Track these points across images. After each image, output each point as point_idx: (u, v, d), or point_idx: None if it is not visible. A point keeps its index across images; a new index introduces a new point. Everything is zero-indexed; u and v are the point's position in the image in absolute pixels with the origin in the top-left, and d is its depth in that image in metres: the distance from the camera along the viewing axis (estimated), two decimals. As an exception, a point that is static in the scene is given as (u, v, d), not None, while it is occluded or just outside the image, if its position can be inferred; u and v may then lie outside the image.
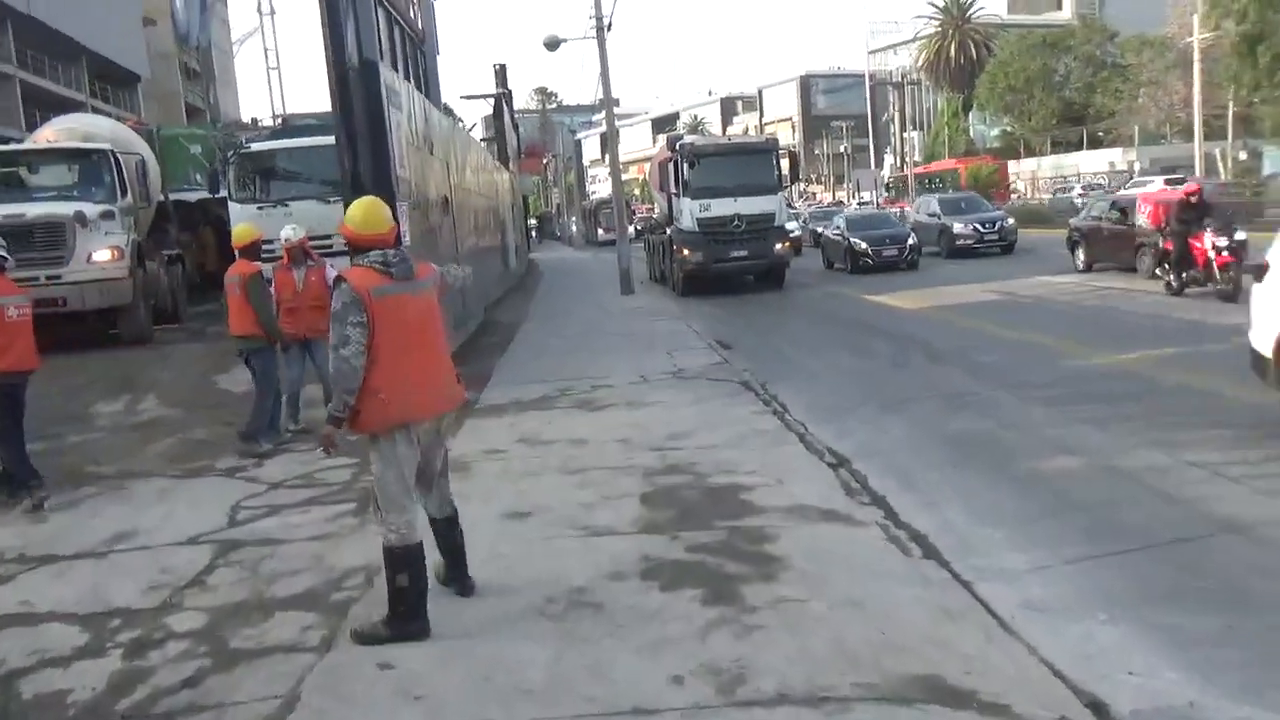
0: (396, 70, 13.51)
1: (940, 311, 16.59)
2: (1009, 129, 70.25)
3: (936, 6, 78.18)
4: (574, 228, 64.16)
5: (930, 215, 28.14)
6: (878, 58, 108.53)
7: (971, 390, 10.26)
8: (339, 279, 4.38)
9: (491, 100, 32.34)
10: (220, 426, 9.94)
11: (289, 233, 9.09)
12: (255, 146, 16.30)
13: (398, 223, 5.47)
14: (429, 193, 13.55)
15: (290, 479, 7.81)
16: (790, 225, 26.94)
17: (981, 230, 26.27)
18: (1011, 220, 27.57)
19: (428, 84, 16.66)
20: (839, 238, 25.84)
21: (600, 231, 51.38)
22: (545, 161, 72.70)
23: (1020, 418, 8.90)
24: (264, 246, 9.35)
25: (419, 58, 16.69)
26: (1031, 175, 64.87)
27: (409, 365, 4.32)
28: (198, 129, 28.55)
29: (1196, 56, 46.87)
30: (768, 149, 22.41)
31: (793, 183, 24.43)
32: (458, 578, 4.94)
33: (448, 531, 4.86)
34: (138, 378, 12.48)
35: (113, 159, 15.27)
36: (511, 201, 31.57)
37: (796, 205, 52.00)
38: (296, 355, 9.15)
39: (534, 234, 74.01)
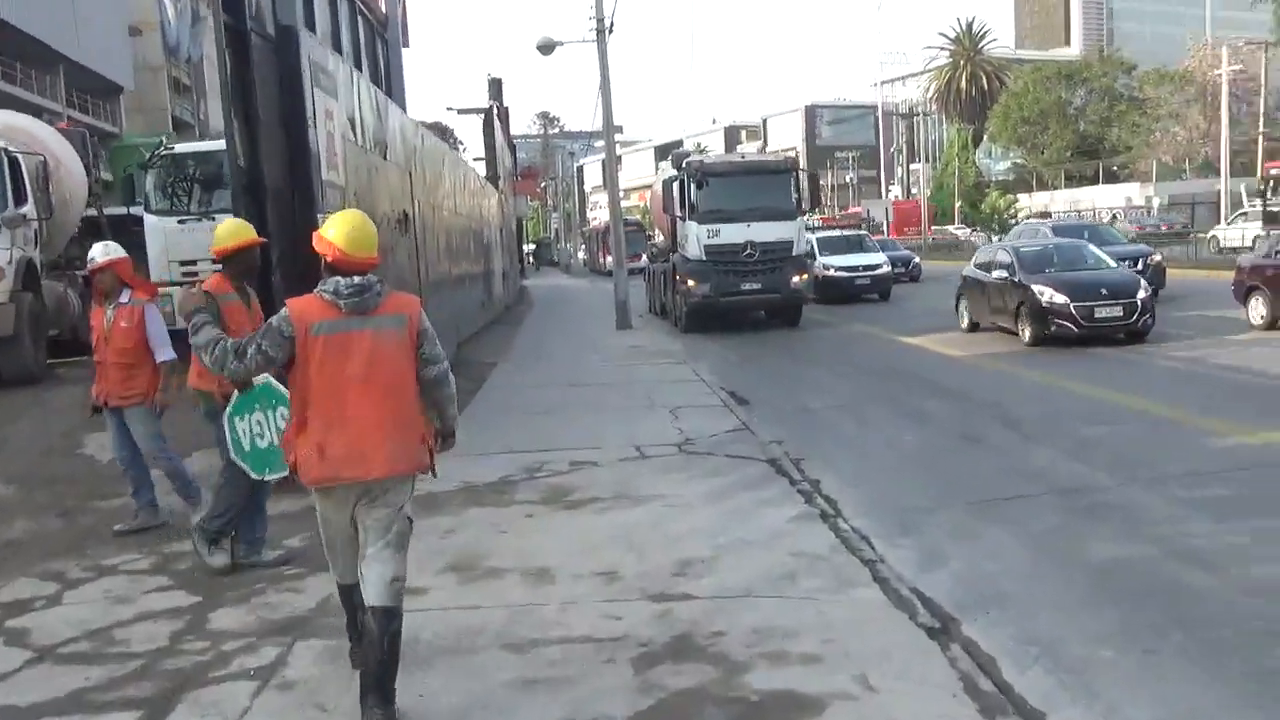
0: (341, 54, 10.72)
1: (999, 361, 13.74)
2: (1020, 161, 67.76)
3: (947, 38, 76.23)
4: (574, 254, 61.34)
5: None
6: (884, 89, 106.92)
7: (1090, 484, 7.39)
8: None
9: (482, 114, 29.61)
10: (53, 519, 7.06)
11: (98, 252, 6.29)
12: (179, 149, 13.46)
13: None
14: (378, 206, 10.74)
15: (71, 638, 4.89)
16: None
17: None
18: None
19: (389, 78, 13.91)
20: (1005, 283, 15.44)
21: (606, 259, 48.27)
22: (542, 185, 70.14)
23: (1195, 539, 6.01)
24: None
25: (377, 45, 13.92)
26: (1044, 209, 62.27)
27: (344, 416, 3.72)
28: (162, 139, 25.76)
29: (1225, 90, 44.36)
30: (785, 169, 19.68)
31: (813, 207, 21.66)
32: (376, 700, 3.70)
33: (375, 626, 3.74)
34: (-13, 433, 9.59)
35: (4, 159, 12.43)
36: (501, 224, 28.88)
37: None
38: (113, 427, 6.35)
39: (531, 259, 71.83)
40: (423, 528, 6.22)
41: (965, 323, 17.08)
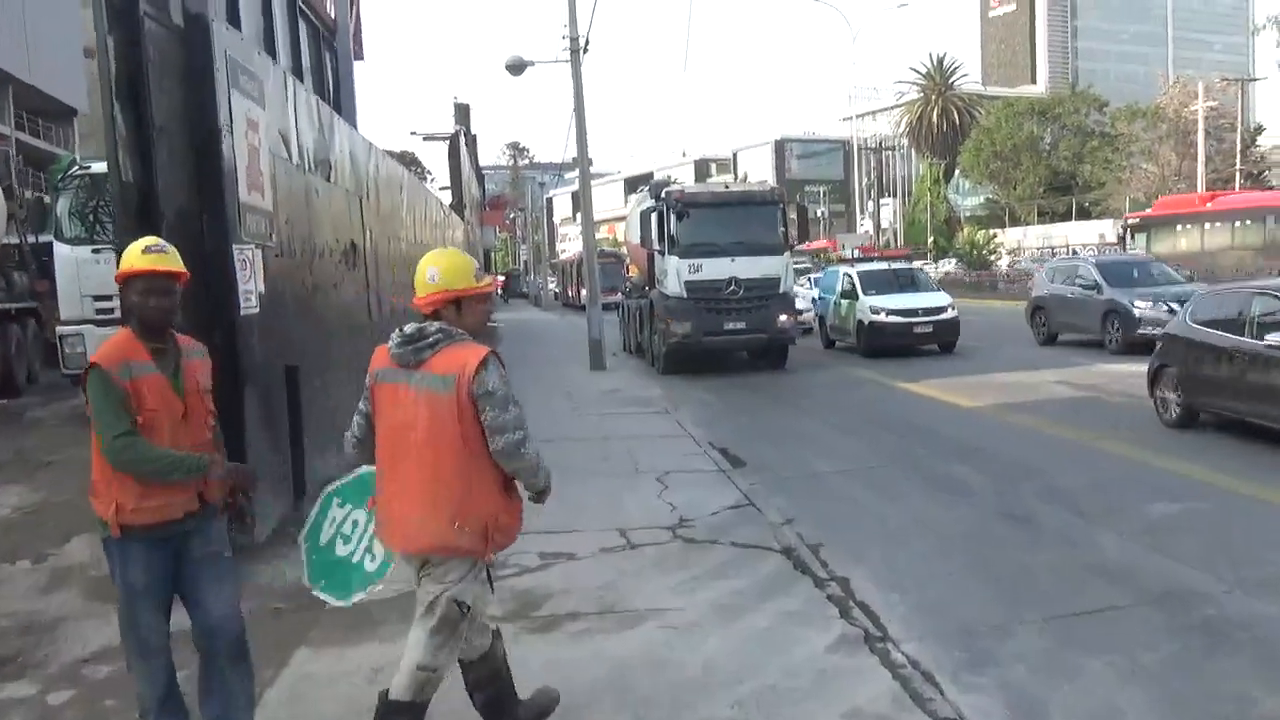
0: (275, 58, 9.14)
1: (1013, 413, 12.32)
2: (992, 197, 67.30)
3: (919, 73, 75.94)
4: (544, 287, 59.84)
5: (1085, 286, 18.92)
6: (854, 123, 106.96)
7: (1191, 588, 5.90)
8: None
9: (448, 141, 28.06)
10: None
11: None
12: (95, 168, 11.77)
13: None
14: (317, 236, 9.17)
15: None
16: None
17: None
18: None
19: (338, 92, 12.33)
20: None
21: (579, 292, 46.53)
22: (511, 216, 68.65)
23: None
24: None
25: (324, 54, 12.32)
26: (1018, 244, 61.69)
27: (385, 477, 3.54)
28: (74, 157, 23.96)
29: (1201, 126, 43.82)
30: (772, 200, 18.28)
31: (801, 242, 20.28)
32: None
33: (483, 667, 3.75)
34: None
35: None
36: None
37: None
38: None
39: (500, 292, 70.20)
40: (345, 665, 4.61)
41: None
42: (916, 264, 28.97)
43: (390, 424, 3.51)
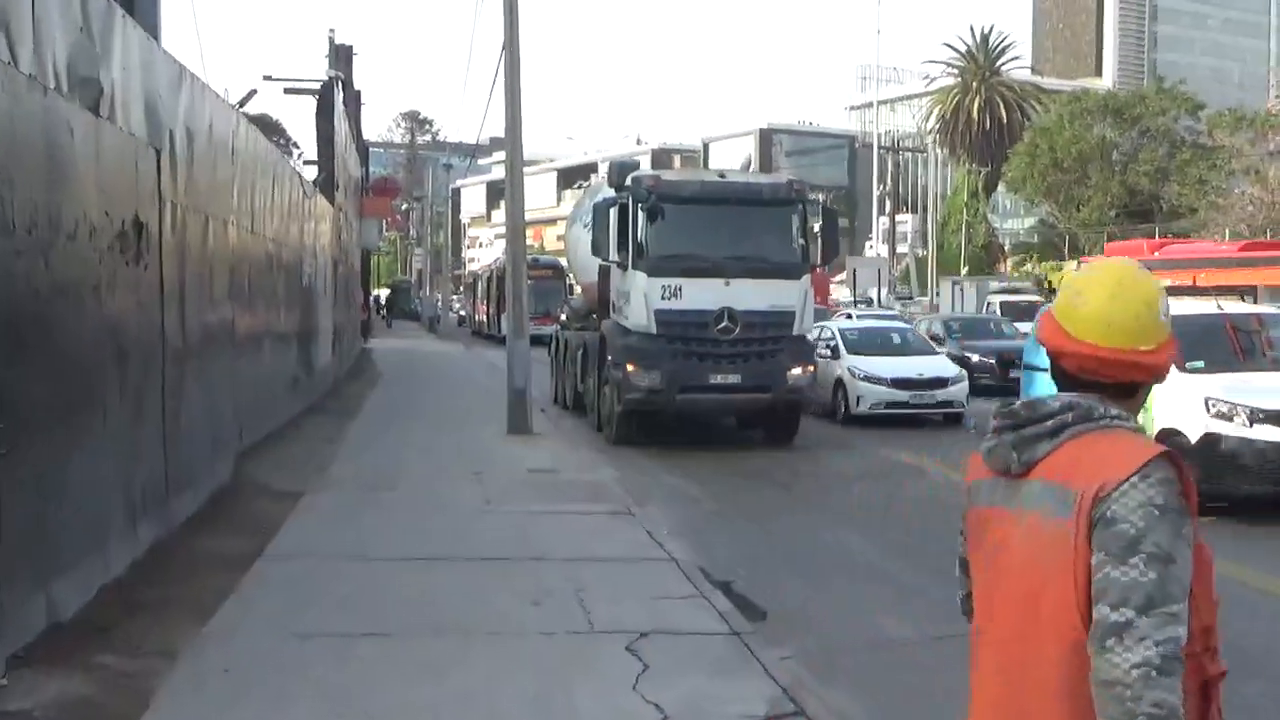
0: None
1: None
2: (1049, 219, 66.93)
3: (956, 51, 75.66)
4: (443, 308, 57.81)
5: None
6: (865, 114, 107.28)
7: None
8: None
9: (317, 94, 25.92)
10: None
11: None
12: None
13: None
14: (69, 206, 7.23)
15: None
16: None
17: None
18: None
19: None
20: None
21: (496, 318, 44.32)
22: (403, 207, 66.53)
23: None
24: None
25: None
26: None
27: (972, 679, 2.82)
28: None
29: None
30: (788, 199, 16.76)
31: (826, 262, 18.56)
32: None
33: None
34: None
35: None
36: (338, 256, 25.25)
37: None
38: None
39: (383, 311, 68.10)
40: None
41: None
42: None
43: (979, 581, 2.91)
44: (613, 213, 16.66)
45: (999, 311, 32.83)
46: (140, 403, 8.84)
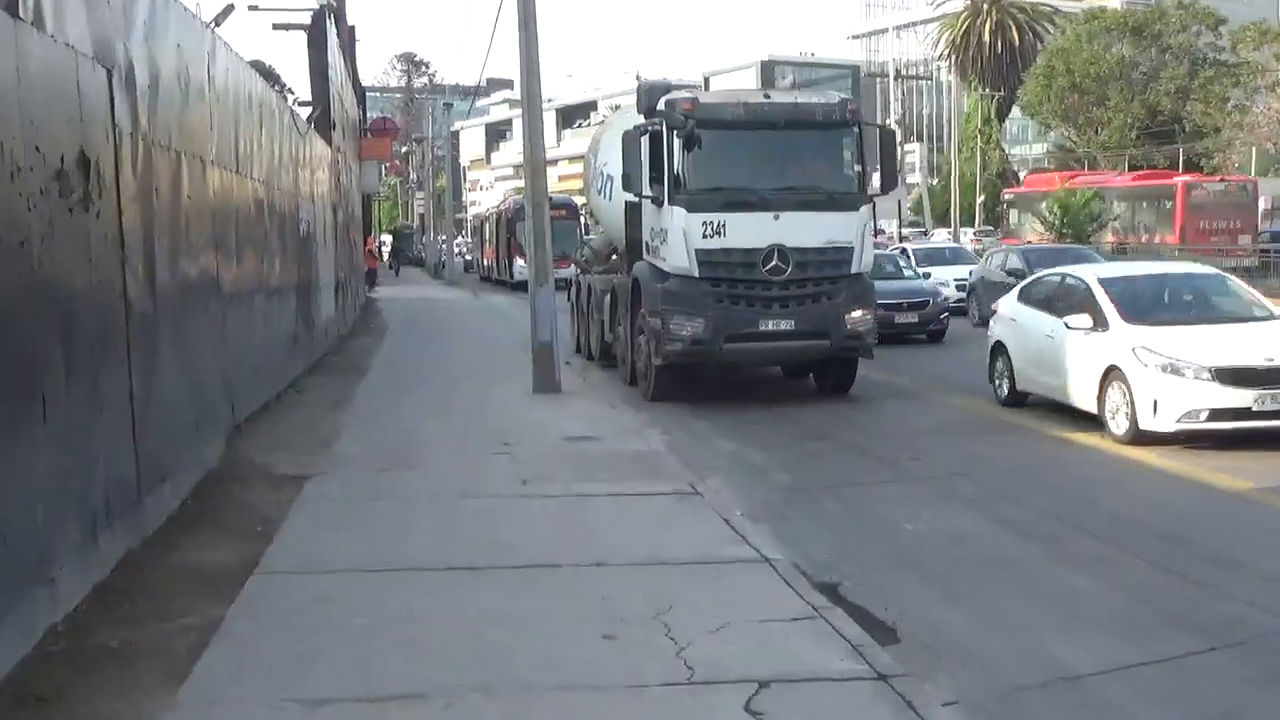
0: None
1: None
2: (1067, 144, 64.70)
3: (967, -27, 73.01)
4: (450, 252, 55.79)
5: None
6: (865, 44, 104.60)
7: None
8: None
9: (306, 29, 23.86)
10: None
11: None
12: None
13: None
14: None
15: None
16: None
17: None
18: None
19: None
20: None
21: (512, 263, 42.24)
22: (402, 150, 64.37)
23: None
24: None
25: None
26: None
27: None
28: None
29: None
30: (843, 120, 14.81)
31: (887, 190, 16.71)
32: None
33: None
34: None
35: None
36: (337, 202, 23.29)
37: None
38: None
39: (390, 259, 66.08)
40: None
41: None
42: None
43: None
44: (644, 142, 14.69)
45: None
46: (96, 384, 6.98)
